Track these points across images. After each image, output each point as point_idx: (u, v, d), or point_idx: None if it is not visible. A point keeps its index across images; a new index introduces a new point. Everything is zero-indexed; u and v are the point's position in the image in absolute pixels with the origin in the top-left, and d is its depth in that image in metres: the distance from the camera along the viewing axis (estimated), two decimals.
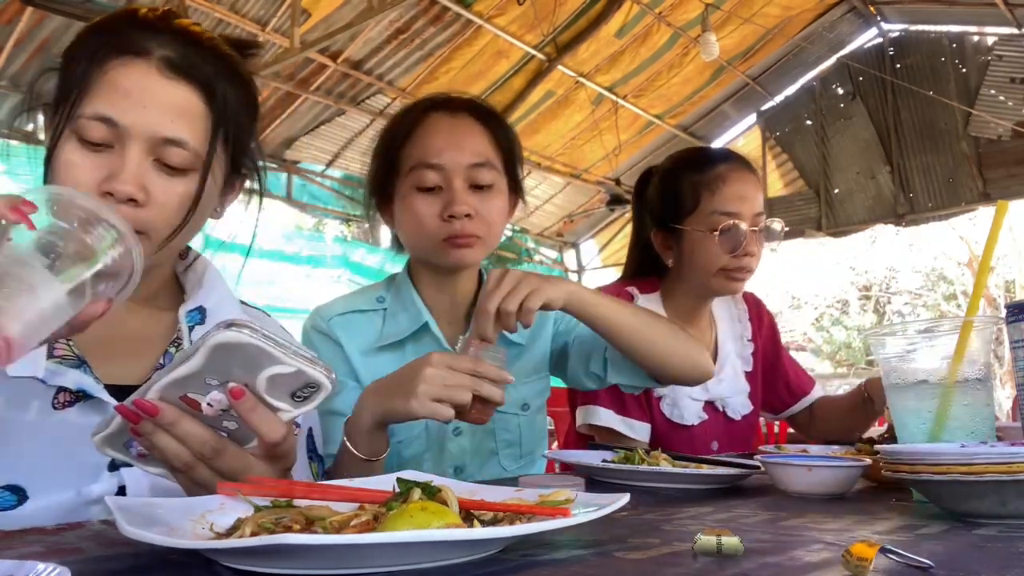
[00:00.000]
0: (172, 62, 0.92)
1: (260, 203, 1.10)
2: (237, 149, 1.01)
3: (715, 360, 1.83)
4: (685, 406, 1.77)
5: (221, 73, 0.96)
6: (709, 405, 1.81)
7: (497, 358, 1.15)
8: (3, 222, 0.65)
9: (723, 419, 1.83)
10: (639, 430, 1.72)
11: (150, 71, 0.91)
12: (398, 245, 1.50)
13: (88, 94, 0.89)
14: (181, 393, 0.74)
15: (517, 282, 1.22)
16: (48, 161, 0.91)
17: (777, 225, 1.78)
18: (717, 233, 1.70)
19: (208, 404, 0.74)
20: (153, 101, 0.90)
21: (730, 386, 1.84)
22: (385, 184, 1.42)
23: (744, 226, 1.70)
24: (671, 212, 1.79)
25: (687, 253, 1.77)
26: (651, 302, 1.83)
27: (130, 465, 0.81)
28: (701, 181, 1.75)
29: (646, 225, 1.89)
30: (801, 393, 2.01)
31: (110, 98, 0.89)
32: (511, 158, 1.42)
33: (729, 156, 1.84)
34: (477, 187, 1.34)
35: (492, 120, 1.41)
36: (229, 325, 0.70)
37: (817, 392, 2.03)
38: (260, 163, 1.08)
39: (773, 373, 1.98)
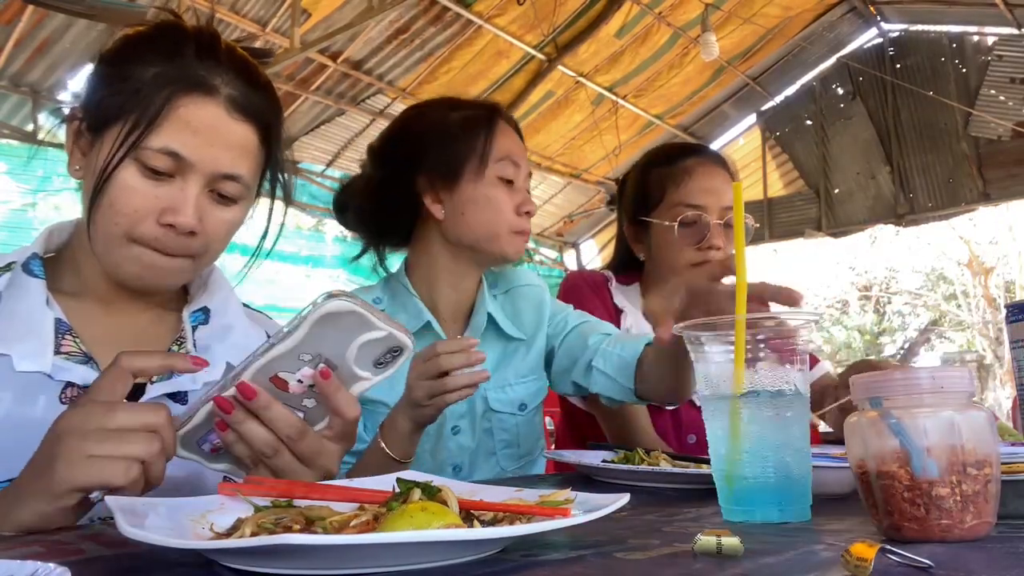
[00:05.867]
0: (237, 102, 0.95)
1: (285, 212, 1.13)
2: (273, 171, 1.07)
3: None
4: None
5: (272, 108, 1.01)
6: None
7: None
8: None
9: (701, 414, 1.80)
10: None
11: (219, 111, 0.94)
12: (395, 240, 1.51)
13: (157, 126, 0.91)
14: (272, 374, 0.74)
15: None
16: (99, 177, 0.91)
17: (747, 221, 1.76)
18: (678, 225, 1.69)
19: (298, 381, 0.75)
20: (219, 140, 0.94)
21: None
22: (457, 166, 1.40)
23: (707, 218, 1.69)
24: (641, 205, 1.79)
25: (655, 247, 1.77)
26: (629, 293, 1.82)
27: None
28: (668, 174, 1.75)
29: (623, 220, 1.90)
30: None
31: (179, 134, 0.91)
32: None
33: (699, 151, 1.83)
34: None
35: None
36: (332, 296, 0.71)
37: (819, 371, 1.77)
38: (290, 177, 1.12)
39: None
